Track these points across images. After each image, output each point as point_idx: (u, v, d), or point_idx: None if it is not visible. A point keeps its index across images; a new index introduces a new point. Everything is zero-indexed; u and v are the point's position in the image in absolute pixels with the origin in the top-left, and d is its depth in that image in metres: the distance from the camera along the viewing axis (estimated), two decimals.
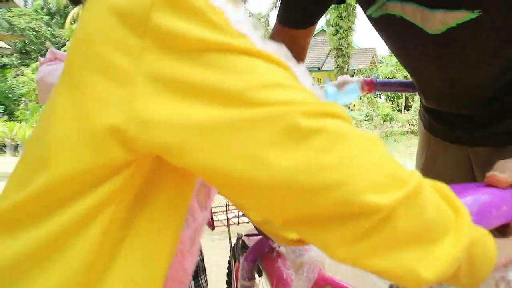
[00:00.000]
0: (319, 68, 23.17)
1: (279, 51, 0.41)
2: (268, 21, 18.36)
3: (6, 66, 21.67)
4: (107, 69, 0.39)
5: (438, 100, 0.96)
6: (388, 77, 15.52)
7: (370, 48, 24.61)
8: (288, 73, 0.40)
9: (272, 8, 17.62)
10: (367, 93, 1.34)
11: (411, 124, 12.36)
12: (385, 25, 0.86)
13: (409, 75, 0.98)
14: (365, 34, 55.13)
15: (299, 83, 0.40)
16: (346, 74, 19.09)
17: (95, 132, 0.39)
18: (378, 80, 1.33)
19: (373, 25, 0.90)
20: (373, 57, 23.48)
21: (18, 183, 0.42)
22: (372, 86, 1.32)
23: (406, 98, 15.97)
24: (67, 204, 0.40)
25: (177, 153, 0.38)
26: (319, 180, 0.37)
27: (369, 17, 0.88)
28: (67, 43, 20.48)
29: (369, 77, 1.34)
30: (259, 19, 17.85)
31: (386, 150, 0.41)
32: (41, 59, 1.15)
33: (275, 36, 0.97)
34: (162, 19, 0.37)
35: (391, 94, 15.68)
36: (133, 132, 0.38)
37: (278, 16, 0.97)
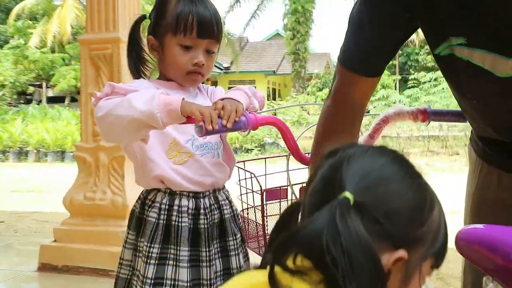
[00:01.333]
0: (274, 72, 23.32)
1: None
2: (224, 23, 18.19)
3: None
4: None
5: (498, 129, 0.96)
6: None
7: (324, 53, 25.16)
8: None
9: (229, 11, 17.47)
10: (420, 122, 1.32)
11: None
12: (451, 63, 0.89)
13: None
14: (318, 39, 57.12)
15: None
16: (303, 79, 19.33)
17: None
18: (431, 109, 1.31)
19: (437, 62, 0.93)
20: (327, 61, 23.99)
21: None
22: (426, 115, 1.30)
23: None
24: None
25: None
26: None
27: (436, 56, 0.91)
28: (10, 41, 19.34)
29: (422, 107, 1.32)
30: None
31: None
32: (98, 94, 1.08)
33: (342, 82, 0.98)
34: None
35: None
36: None
37: (353, 64, 0.96)
